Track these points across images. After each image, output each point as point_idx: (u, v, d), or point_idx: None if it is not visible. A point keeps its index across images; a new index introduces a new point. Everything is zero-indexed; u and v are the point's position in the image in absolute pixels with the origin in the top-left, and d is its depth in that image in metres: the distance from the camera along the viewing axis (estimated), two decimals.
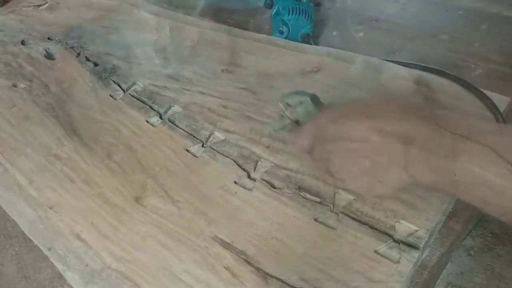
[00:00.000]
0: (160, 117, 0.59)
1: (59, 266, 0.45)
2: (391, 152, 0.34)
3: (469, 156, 0.31)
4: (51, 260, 0.46)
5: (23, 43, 0.75)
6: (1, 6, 0.96)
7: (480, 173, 0.30)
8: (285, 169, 0.49)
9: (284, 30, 0.72)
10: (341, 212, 0.44)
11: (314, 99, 0.44)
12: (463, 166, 0.31)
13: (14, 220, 0.51)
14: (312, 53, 0.64)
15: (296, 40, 0.71)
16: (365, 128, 0.35)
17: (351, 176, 0.38)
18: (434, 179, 0.34)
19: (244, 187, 0.48)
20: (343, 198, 0.45)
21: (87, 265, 0.44)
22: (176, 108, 0.60)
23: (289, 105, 0.45)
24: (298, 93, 0.45)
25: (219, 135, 0.55)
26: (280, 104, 0.46)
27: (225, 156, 0.52)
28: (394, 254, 0.40)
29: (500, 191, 0.30)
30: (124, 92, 0.64)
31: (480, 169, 0.30)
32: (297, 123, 0.45)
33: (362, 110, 0.37)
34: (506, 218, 0.31)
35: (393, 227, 0.42)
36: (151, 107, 0.60)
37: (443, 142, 0.32)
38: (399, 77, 0.57)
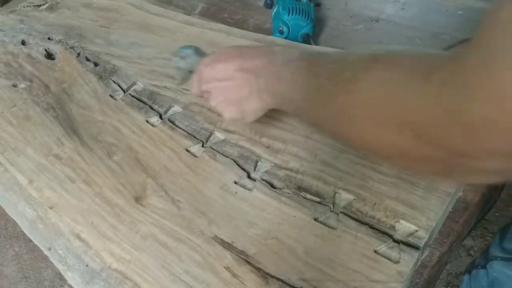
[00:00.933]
0: (160, 117, 0.59)
1: (59, 266, 0.46)
2: (249, 85, 0.43)
3: (285, 78, 0.39)
4: (51, 260, 0.46)
5: (23, 43, 0.75)
6: (1, 6, 0.96)
7: (287, 91, 0.40)
8: (285, 169, 0.49)
9: (284, 30, 0.72)
10: (341, 212, 0.44)
11: (197, 50, 0.55)
12: (282, 88, 0.40)
13: (14, 220, 0.51)
14: None
15: (296, 40, 0.71)
16: (231, 68, 0.44)
17: (225, 109, 0.46)
18: (275, 102, 0.43)
19: (244, 187, 0.48)
20: (343, 198, 0.45)
21: (87, 265, 0.45)
22: (176, 108, 0.60)
23: (182, 58, 0.56)
24: (185, 47, 0.57)
25: (219, 135, 0.55)
26: (173, 58, 0.57)
27: (225, 156, 0.52)
28: (394, 254, 0.40)
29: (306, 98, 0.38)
30: (124, 92, 0.64)
31: (290, 86, 0.39)
32: (191, 72, 0.53)
33: (230, 54, 0.46)
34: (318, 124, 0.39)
35: (393, 227, 0.42)
36: (151, 107, 0.60)
37: (275, 71, 0.41)
38: None
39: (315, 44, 0.70)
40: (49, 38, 0.75)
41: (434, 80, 0.24)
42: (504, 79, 0.20)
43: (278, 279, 0.40)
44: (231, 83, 0.45)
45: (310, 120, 0.41)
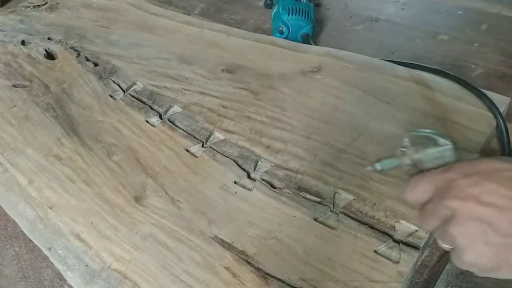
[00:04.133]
0: (160, 117, 0.59)
1: (59, 266, 0.45)
2: None
3: None
4: (51, 260, 0.46)
5: (23, 43, 0.75)
6: (1, 6, 0.96)
7: None
8: (285, 169, 0.49)
9: (284, 30, 0.72)
10: (341, 212, 0.44)
11: (456, 145, 0.35)
12: None
13: (14, 220, 0.51)
14: (312, 53, 0.64)
15: (296, 40, 0.71)
16: (506, 193, 0.29)
17: (477, 251, 0.30)
18: None
19: (244, 187, 0.48)
20: (343, 198, 0.45)
21: (87, 265, 0.45)
22: (176, 108, 0.60)
23: (413, 144, 0.37)
24: (433, 132, 0.36)
25: (219, 135, 0.55)
26: (405, 138, 0.37)
27: (225, 156, 0.52)
28: (394, 254, 0.40)
29: None
30: (124, 92, 0.64)
31: None
32: (415, 166, 0.36)
33: (503, 171, 0.30)
34: None
35: (393, 227, 0.42)
36: (151, 107, 0.60)
37: None
38: (399, 77, 0.57)
39: (315, 44, 0.70)
40: (49, 38, 0.75)
41: None
42: None
43: (278, 279, 0.40)
44: (504, 217, 0.29)
45: None
